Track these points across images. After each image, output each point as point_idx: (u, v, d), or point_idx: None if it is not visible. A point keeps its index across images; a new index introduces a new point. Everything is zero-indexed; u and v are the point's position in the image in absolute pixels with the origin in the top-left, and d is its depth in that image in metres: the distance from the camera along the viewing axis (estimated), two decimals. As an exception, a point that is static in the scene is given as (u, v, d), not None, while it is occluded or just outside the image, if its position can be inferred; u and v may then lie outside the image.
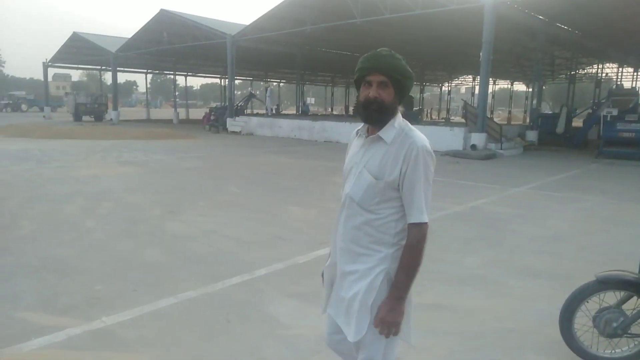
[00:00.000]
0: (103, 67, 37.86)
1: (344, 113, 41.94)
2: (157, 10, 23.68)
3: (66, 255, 4.45)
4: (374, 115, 1.66)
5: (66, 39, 31.00)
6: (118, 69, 30.87)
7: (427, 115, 37.28)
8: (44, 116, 33.72)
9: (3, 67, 76.36)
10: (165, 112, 51.25)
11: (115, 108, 30.36)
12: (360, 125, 1.83)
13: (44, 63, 34.15)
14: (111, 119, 30.08)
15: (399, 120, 1.71)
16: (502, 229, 5.83)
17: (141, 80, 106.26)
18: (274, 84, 48.99)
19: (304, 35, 20.50)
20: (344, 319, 1.77)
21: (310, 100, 54.40)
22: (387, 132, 1.67)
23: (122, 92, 49.11)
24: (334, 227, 1.84)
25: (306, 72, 35.30)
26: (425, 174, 1.64)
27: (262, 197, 7.57)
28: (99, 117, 31.89)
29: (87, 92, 36.81)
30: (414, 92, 55.48)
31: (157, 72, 45.63)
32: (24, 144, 15.17)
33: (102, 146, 15.12)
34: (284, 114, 32.29)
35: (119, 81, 32.53)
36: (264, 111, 28.46)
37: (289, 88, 70.07)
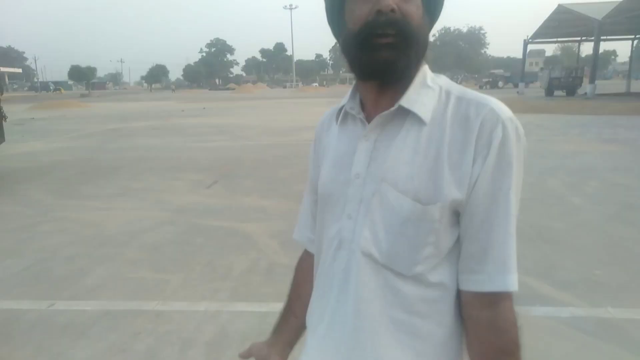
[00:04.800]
0: (583, 38, 35.80)
1: None
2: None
3: (557, 229, 4.40)
4: (393, 59, 0.71)
5: (549, 12, 31.08)
6: (601, 37, 28.32)
7: None
8: (517, 92, 35.70)
9: (487, 48, 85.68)
10: (650, 84, 43.48)
11: (592, 81, 28.25)
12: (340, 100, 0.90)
13: (524, 40, 35.77)
14: (585, 93, 28.25)
15: (429, 72, 0.79)
16: None
17: (622, 48, 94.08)
18: None
19: None
20: None
21: None
22: (420, 98, 0.76)
23: (598, 64, 45.22)
24: (317, 313, 0.87)
25: None
26: (517, 182, 0.72)
27: None
28: (571, 91, 30.63)
29: (561, 66, 36.05)
30: None
31: (648, 36, 38.81)
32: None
33: (579, 121, 14.37)
34: None
35: (599, 51, 29.88)
36: None
37: None
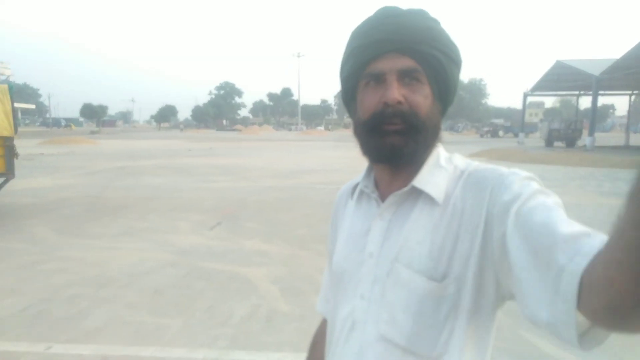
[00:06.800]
0: (581, 92, 36.70)
1: None
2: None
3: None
4: (400, 145, 0.74)
5: (549, 67, 32.03)
6: (599, 92, 29.03)
7: None
8: (517, 142, 36.19)
9: (488, 99, 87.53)
10: (650, 137, 44.06)
11: (591, 133, 28.71)
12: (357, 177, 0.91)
13: (524, 92, 36.66)
14: (585, 145, 28.64)
15: (443, 152, 0.82)
16: None
17: (620, 102, 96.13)
18: None
19: None
20: None
21: None
22: (433, 179, 0.77)
23: (597, 117, 46.01)
24: None
25: None
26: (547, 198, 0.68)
27: None
28: (571, 142, 31.08)
29: (561, 118, 36.75)
30: None
31: (646, 92, 39.74)
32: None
33: (578, 173, 14.51)
34: None
35: (598, 105, 30.53)
36: None
37: None
